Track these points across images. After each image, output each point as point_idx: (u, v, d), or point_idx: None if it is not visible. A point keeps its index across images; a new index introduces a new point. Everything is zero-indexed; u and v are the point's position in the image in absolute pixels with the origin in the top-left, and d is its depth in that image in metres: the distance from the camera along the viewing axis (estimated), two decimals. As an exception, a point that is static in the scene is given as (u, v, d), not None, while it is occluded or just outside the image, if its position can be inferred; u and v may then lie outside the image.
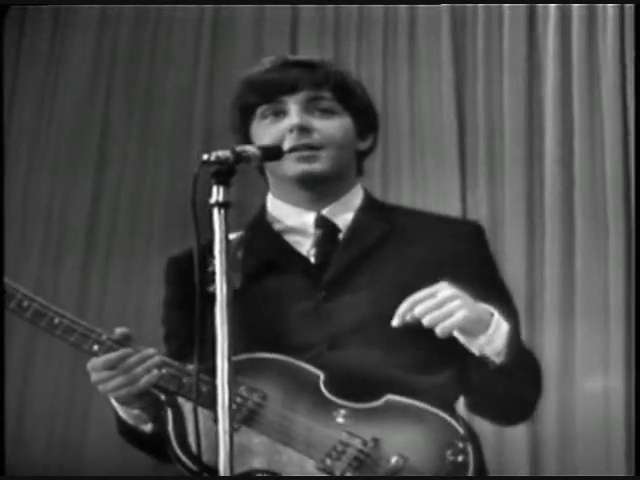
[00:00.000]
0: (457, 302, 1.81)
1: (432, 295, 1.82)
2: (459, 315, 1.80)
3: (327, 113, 2.01)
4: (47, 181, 4.45)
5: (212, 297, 1.61)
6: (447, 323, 1.80)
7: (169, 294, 2.10)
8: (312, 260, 2.01)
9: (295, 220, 2.05)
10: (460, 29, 4.16)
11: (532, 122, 3.99)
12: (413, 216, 2.13)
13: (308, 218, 2.04)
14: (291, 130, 1.97)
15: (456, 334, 1.84)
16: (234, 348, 1.58)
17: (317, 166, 1.98)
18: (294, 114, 1.98)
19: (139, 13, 4.58)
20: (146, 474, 3.48)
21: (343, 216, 2.04)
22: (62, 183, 4.44)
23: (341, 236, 2.03)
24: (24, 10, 4.62)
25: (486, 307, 1.88)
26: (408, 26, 4.25)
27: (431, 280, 1.90)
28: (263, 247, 2.04)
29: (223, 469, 1.54)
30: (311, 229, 2.03)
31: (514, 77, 4.03)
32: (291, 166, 1.97)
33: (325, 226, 2.03)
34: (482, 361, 1.86)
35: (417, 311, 1.81)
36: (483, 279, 2.00)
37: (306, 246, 2.03)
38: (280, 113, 2.00)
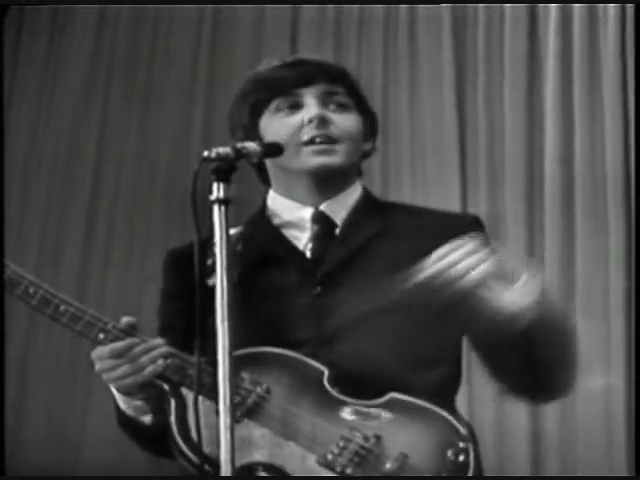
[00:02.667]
0: (485, 251, 1.75)
1: (457, 247, 1.76)
2: (489, 263, 1.74)
3: (342, 107, 2.01)
4: (45, 180, 4.45)
5: (211, 290, 1.61)
6: (479, 270, 1.73)
7: (167, 286, 2.09)
8: (308, 255, 2.01)
9: (292, 214, 2.04)
10: (461, 29, 4.15)
11: (533, 122, 3.99)
12: (409, 212, 2.12)
13: (305, 213, 2.03)
14: (310, 120, 1.96)
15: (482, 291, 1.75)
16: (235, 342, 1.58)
17: (335, 159, 1.97)
18: (312, 106, 1.98)
19: (137, 13, 4.58)
20: (144, 474, 3.48)
21: (340, 212, 2.03)
22: (60, 182, 4.44)
23: (337, 231, 2.02)
24: (22, 10, 4.62)
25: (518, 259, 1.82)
26: (409, 26, 4.25)
27: None
28: (261, 241, 2.03)
29: (224, 467, 1.54)
30: (308, 224, 2.02)
31: (515, 77, 4.02)
32: (308, 159, 1.97)
33: (322, 221, 2.02)
34: (503, 324, 1.75)
35: (444, 262, 1.74)
36: None
37: (303, 241, 2.02)
38: (295, 106, 1.99)
